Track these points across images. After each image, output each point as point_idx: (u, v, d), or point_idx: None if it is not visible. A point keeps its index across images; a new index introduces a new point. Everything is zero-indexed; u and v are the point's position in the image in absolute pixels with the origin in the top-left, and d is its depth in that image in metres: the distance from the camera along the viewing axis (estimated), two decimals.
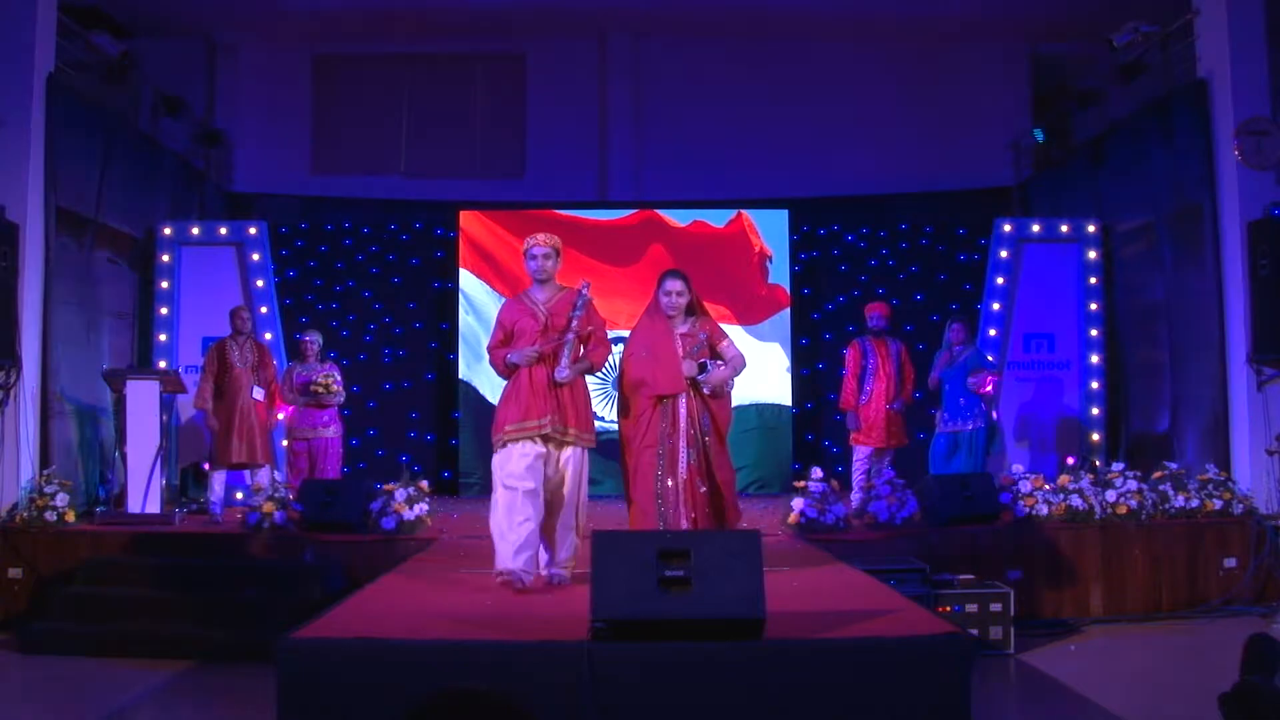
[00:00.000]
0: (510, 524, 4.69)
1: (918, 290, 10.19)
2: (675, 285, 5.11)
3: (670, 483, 4.96)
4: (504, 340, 4.97)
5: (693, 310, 5.20)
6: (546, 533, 4.92)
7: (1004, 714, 4.75)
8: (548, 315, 4.89)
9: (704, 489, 5.01)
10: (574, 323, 4.84)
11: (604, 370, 5.83)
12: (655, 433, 4.99)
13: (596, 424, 5.16)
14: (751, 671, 3.58)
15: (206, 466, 8.01)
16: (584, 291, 4.89)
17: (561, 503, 4.88)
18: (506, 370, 4.94)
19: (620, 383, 5.21)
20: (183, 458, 8.73)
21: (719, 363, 5.15)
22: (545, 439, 4.80)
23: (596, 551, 3.65)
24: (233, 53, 10.70)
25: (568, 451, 4.88)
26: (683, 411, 5.02)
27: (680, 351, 5.06)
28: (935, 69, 10.64)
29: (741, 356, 5.19)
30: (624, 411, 5.14)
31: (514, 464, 4.76)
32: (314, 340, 8.11)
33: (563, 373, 4.81)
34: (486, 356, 5.14)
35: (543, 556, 4.97)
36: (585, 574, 3.80)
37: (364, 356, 10.11)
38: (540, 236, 4.96)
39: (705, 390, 5.04)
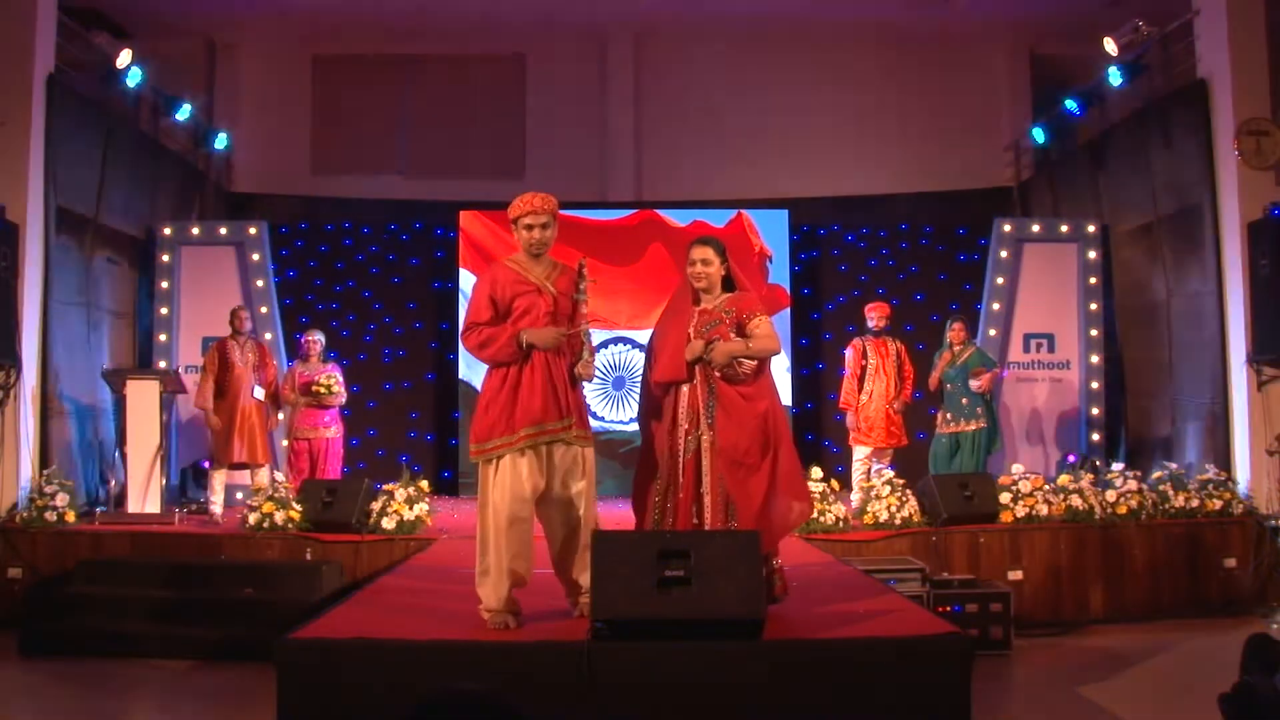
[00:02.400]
0: (511, 558, 3.96)
1: (918, 290, 10.19)
2: (700, 253, 4.23)
3: (670, 499, 4.15)
4: (496, 319, 4.08)
5: (731, 285, 4.32)
6: (565, 558, 4.13)
7: (1004, 714, 4.74)
8: (556, 295, 4.12)
9: (706, 503, 4.08)
10: (582, 307, 4.10)
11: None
12: (655, 429, 4.21)
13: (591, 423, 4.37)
14: (751, 672, 3.58)
15: (207, 466, 8.01)
16: (584, 271, 4.15)
17: (580, 520, 4.06)
18: (511, 353, 4.02)
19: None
20: (183, 458, 8.74)
21: (728, 341, 4.17)
22: (556, 444, 4.03)
23: (596, 552, 3.65)
24: (233, 53, 10.70)
25: (588, 456, 4.11)
26: (683, 402, 4.15)
27: (690, 330, 4.19)
28: (935, 69, 10.64)
29: (773, 338, 4.19)
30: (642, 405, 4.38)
31: (523, 482, 3.95)
32: (317, 340, 8.11)
33: (589, 368, 4.08)
34: (462, 341, 4.20)
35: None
36: None
37: (364, 356, 10.11)
38: (535, 201, 4.09)
39: (715, 372, 4.11)
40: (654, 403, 4.25)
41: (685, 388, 4.15)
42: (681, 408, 4.14)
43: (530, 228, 4.10)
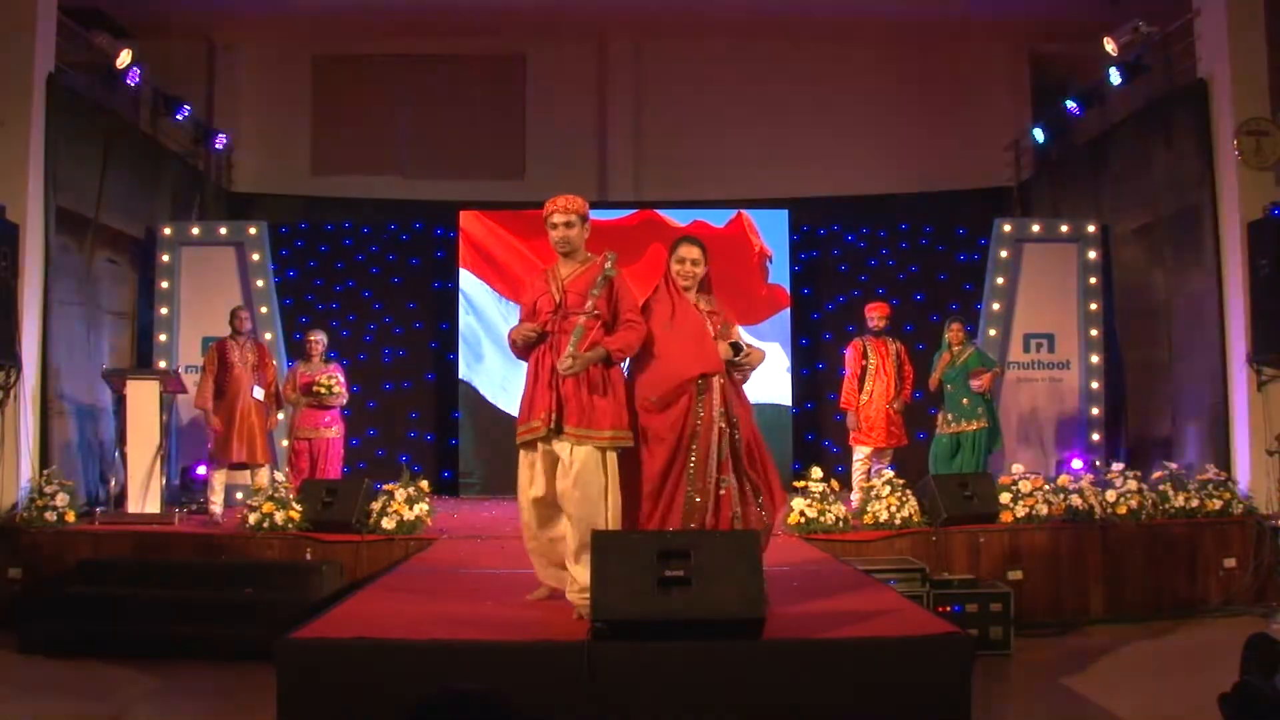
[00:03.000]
0: (528, 539, 4.36)
1: (918, 290, 10.19)
2: (692, 252, 4.36)
3: (708, 497, 4.18)
4: (527, 319, 4.34)
5: (705, 288, 4.48)
6: (565, 553, 4.22)
7: (1004, 714, 4.74)
8: (564, 293, 4.20)
9: (736, 489, 4.23)
10: (589, 303, 4.11)
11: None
12: (687, 426, 4.18)
13: None
14: (751, 671, 3.58)
15: (206, 467, 8.01)
16: (607, 266, 4.16)
17: (572, 518, 4.07)
18: (515, 353, 4.35)
19: (632, 367, 4.34)
20: (183, 458, 8.74)
21: (749, 345, 4.42)
22: (552, 441, 4.11)
23: (596, 551, 3.65)
24: (233, 53, 10.72)
25: (579, 454, 4.05)
26: (715, 403, 4.21)
27: (711, 329, 4.35)
28: (935, 69, 10.64)
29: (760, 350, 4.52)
30: (644, 400, 4.24)
31: (522, 474, 4.27)
32: (319, 340, 8.11)
33: (564, 362, 4.06)
34: (506, 338, 4.47)
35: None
36: None
37: (364, 356, 10.11)
38: (560, 201, 4.25)
39: (737, 375, 4.34)
40: (666, 403, 4.20)
41: (716, 389, 4.24)
42: (715, 408, 4.21)
43: (555, 226, 4.27)
